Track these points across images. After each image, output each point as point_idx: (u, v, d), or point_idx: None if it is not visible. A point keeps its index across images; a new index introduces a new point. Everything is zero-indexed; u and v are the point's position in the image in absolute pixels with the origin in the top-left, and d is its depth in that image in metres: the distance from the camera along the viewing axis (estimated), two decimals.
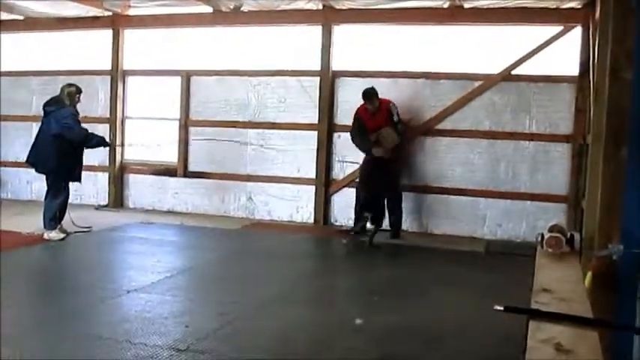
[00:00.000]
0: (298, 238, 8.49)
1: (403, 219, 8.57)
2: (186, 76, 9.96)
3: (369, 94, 8.21)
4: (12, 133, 10.91)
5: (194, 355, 4.16)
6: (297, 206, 9.41)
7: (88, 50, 10.56)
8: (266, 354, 4.22)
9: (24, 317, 4.98)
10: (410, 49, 8.85)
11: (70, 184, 7.85)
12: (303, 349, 4.39)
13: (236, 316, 5.09)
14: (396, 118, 8.26)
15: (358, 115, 8.41)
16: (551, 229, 4.73)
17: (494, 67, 8.51)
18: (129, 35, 10.33)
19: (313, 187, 9.28)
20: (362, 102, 8.33)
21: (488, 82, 8.54)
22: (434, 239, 8.42)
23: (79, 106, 7.98)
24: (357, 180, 8.75)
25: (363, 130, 8.36)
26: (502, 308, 2.98)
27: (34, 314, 5.12)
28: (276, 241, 8.22)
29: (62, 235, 7.71)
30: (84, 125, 7.99)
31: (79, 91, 7.90)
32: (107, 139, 8.25)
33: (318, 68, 9.20)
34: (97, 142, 7.94)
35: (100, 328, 4.76)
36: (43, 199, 7.96)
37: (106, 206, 10.22)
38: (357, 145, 8.47)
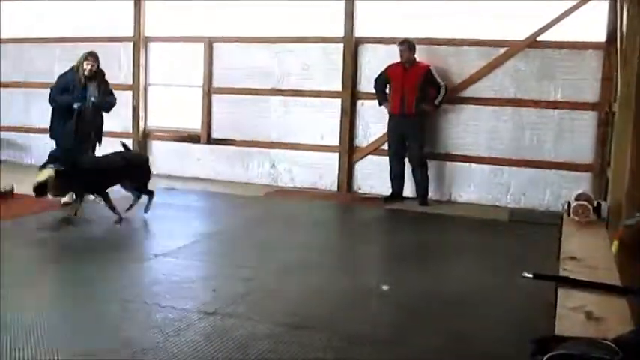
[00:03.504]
0: (322, 206, 8.54)
1: None
2: (209, 43, 9.95)
3: (407, 43, 8.28)
4: (35, 100, 10.99)
5: (222, 318, 4.23)
6: (320, 174, 9.43)
7: (110, 17, 10.57)
8: (292, 318, 4.27)
9: (53, 280, 5.09)
10: (434, 15, 8.74)
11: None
12: (329, 314, 4.44)
13: (262, 280, 5.16)
14: (440, 82, 8.31)
15: (386, 71, 8.50)
16: (577, 198, 4.74)
17: (519, 33, 8.40)
18: (150, 1, 10.31)
19: (337, 155, 9.28)
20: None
21: (514, 49, 8.44)
22: (457, 207, 8.42)
23: None
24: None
25: (383, 83, 8.55)
26: (531, 275, 3.02)
27: (63, 277, 5.21)
28: (299, 208, 8.27)
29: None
30: None
31: (84, 57, 7.89)
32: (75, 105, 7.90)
33: (342, 35, 9.15)
34: (59, 104, 7.90)
35: (129, 290, 4.85)
36: None
37: None
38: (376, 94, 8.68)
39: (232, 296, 4.69)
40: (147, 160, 8.01)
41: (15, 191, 8.11)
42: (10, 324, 3.98)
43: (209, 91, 9.97)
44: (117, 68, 10.42)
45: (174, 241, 6.23)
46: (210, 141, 10.01)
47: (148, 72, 10.45)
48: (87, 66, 7.84)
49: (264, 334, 3.98)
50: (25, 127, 11.17)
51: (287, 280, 5.24)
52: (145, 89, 10.42)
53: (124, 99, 10.30)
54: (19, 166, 10.79)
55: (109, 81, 8.18)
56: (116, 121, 10.38)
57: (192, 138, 10.11)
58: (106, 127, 9.97)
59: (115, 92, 10.24)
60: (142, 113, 10.37)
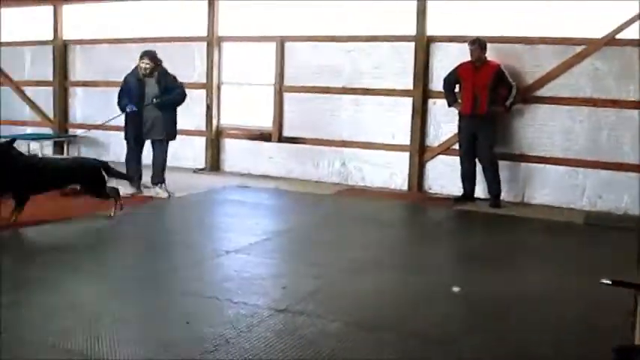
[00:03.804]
0: (392, 205, 8.51)
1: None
2: (281, 42, 10.05)
3: (478, 41, 8.18)
4: (113, 99, 11.33)
5: (293, 315, 4.28)
6: (390, 173, 9.40)
7: (184, 17, 10.82)
8: (362, 318, 4.28)
9: (128, 274, 5.24)
10: (507, 12, 8.58)
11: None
12: (399, 314, 4.42)
13: (332, 279, 5.19)
14: (511, 82, 8.18)
15: (456, 70, 8.39)
16: None
17: (597, 31, 8.14)
18: (224, 1, 10.48)
19: (407, 154, 9.23)
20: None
21: (591, 47, 8.19)
22: (530, 209, 8.24)
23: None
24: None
25: (452, 83, 8.45)
26: (609, 282, 2.92)
27: (137, 272, 5.35)
28: (369, 207, 8.27)
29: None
30: None
31: (140, 57, 8.27)
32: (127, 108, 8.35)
33: (413, 33, 9.09)
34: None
35: (201, 286, 4.96)
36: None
37: (203, 170, 10.55)
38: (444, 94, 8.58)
39: (302, 294, 4.73)
40: (99, 166, 7.29)
41: None
42: (82, 317, 4.14)
43: (280, 89, 10.08)
44: (191, 68, 10.68)
45: (245, 238, 6.32)
46: (281, 139, 10.12)
47: (221, 71, 10.64)
48: (143, 65, 8.11)
49: (335, 332, 4.00)
50: (107, 126, 11.50)
51: (357, 279, 5.24)
52: (218, 88, 10.61)
53: (197, 98, 10.60)
54: None
55: (174, 77, 8.37)
56: (190, 119, 10.65)
57: (263, 136, 10.25)
58: (180, 125, 10.26)
59: (189, 91, 10.50)
60: (215, 112, 10.58)
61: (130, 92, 8.25)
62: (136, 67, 8.24)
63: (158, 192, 8.29)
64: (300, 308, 4.41)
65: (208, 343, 3.78)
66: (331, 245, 6.33)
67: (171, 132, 8.38)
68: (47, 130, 12.26)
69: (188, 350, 3.68)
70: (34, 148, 11.82)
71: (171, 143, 9.20)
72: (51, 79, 12.21)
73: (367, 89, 9.48)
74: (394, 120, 9.33)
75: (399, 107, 9.26)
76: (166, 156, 8.43)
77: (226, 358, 3.59)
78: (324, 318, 4.24)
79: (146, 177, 8.49)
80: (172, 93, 8.20)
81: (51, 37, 12.07)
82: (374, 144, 9.47)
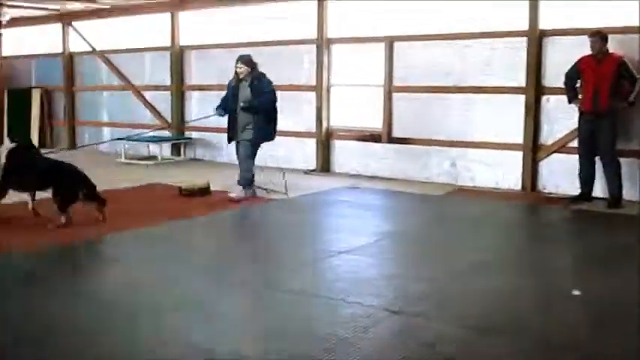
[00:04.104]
0: (504, 205, 8.32)
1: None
2: (390, 42, 10.05)
3: (599, 34, 7.87)
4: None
5: (408, 317, 4.29)
6: (502, 173, 9.19)
7: (294, 20, 11.02)
8: (478, 321, 4.23)
9: (244, 272, 5.41)
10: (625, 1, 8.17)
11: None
12: (516, 318, 4.33)
13: (445, 281, 5.15)
14: (636, 75, 7.80)
15: (577, 64, 8.08)
16: None
17: None
18: (332, 3, 10.58)
19: (520, 153, 9.00)
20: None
21: None
22: None
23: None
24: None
25: (574, 78, 8.12)
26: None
27: (250, 271, 5.51)
28: (481, 208, 8.13)
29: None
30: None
31: (235, 61, 8.48)
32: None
33: (525, 28, 8.84)
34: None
35: (315, 285, 5.06)
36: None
37: (313, 171, 10.71)
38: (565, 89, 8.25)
39: (417, 296, 4.74)
40: (74, 172, 7.07)
41: (211, 187, 8.74)
42: (202, 313, 4.32)
43: (390, 90, 10.08)
44: (301, 70, 10.88)
45: (357, 239, 6.38)
46: (391, 140, 10.11)
47: (330, 73, 10.75)
48: (237, 69, 8.35)
49: (452, 336, 3.97)
50: (217, 128, 11.90)
51: (471, 281, 5.17)
52: (328, 90, 10.73)
53: (307, 100, 10.78)
54: (214, 164, 11.60)
55: (268, 81, 8.41)
56: (300, 121, 10.86)
57: (373, 137, 10.28)
58: (290, 127, 10.49)
59: (299, 93, 10.75)
60: (324, 113, 10.70)
61: (228, 96, 8.52)
62: (235, 72, 8.48)
63: (238, 194, 8.35)
64: (415, 310, 4.42)
65: (326, 342, 3.84)
66: (443, 247, 6.28)
67: (258, 135, 8.38)
68: (165, 133, 12.83)
69: (306, 348, 3.77)
70: (154, 150, 12.43)
71: (281, 145, 9.45)
72: (168, 83, 12.77)
73: (478, 87, 9.32)
74: (505, 118, 9.12)
75: (510, 105, 9.04)
76: (251, 158, 8.44)
77: (344, 358, 3.64)
78: (439, 320, 4.23)
79: (261, 178, 8.74)
80: (261, 98, 8.26)
81: (168, 44, 12.61)
82: (484, 143, 9.29)
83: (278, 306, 4.57)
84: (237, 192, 8.36)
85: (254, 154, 8.46)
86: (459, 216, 7.79)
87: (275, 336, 3.97)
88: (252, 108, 8.25)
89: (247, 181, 8.41)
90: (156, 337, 3.99)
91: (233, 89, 8.47)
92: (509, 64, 9.06)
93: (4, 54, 15.92)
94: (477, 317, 4.31)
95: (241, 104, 8.28)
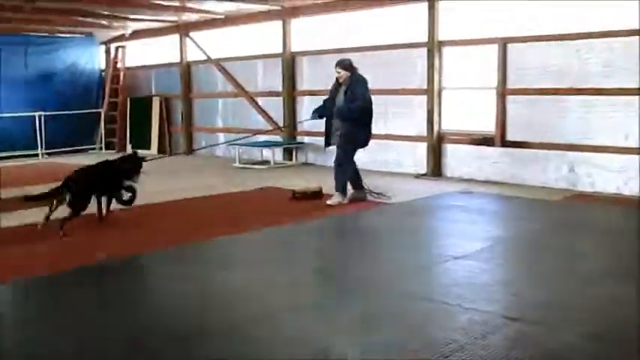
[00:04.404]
0: (627, 212, 7.92)
1: None
2: (502, 44, 9.83)
3: None
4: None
5: (528, 325, 4.17)
6: (624, 178, 8.77)
7: (404, 24, 11.00)
8: (601, 332, 4.05)
9: (355, 275, 5.44)
10: None
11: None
12: None
13: (564, 288, 4.97)
14: None
15: None
16: None
17: None
18: (443, 5, 10.47)
19: None
20: None
21: None
22: None
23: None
24: None
25: None
26: None
27: (364, 273, 5.52)
28: (601, 215, 7.81)
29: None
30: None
31: (335, 66, 8.50)
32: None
33: None
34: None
35: (430, 290, 5.02)
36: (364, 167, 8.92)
37: (424, 175, 10.63)
38: None
39: (535, 303, 4.61)
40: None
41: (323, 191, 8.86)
42: (319, 315, 4.39)
43: (503, 92, 9.86)
44: (412, 74, 10.84)
45: (471, 244, 6.28)
46: (504, 143, 9.88)
47: (442, 76, 10.64)
48: (336, 74, 8.39)
49: (574, 346, 3.84)
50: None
51: (591, 289, 4.95)
52: (439, 93, 10.63)
53: (418, 104, 10.73)
54: (325, 169, 11.72)
55: (364, 87, 8.29)
56: (411, 125, 10.83)
57: (486, 140, 10.08)
58: (401, 131, 10.51)
59: (411, 97, 10.73)
60: (436, 117, 10.60)
61: (328, 99, 8.63)
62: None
63: (333, 200, 8.36)
64: (534, 318, 4.30)
65: (443, 347, 3.81)
66: (561, 253, 6.06)
67: (346, 141, 8.33)
68: (277, 138, 13.11)
69: (423, 353, 3.75)
70: (267, 154, 12.73)
71: (392, 149, 9.43)
72: (280, 89, 13.05)
73: (597, 89, 8.94)
74: (627, 121, 8.69)
75: (632, 107, 8.62)
76: (342, 164, 8.40)
77: None
78: (560, 329, 4.10)
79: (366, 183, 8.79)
80: (351, 104, 8.19)
81: (280, 50, 12.90)
82: (605, 147, 8.89)
83: (393, 310, 4.57)
84: (333, 198, 8.38)
85: (346, 160, 8.40)
86: (578, 222, 7.51)
87: (391, 340, 3.97)
88: (342, 114, 8.27)
89: (340, 187, 8.42)
90: (276, 337, 4.09)
91: (332, 94, 8.57)
92: (630, 64, 8.64)
93: (127, 65, 16.89)
94: (598, 326, 4.14)
95: (337, 107, 8.35)
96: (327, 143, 8.73)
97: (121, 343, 4.02)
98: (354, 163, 8.54)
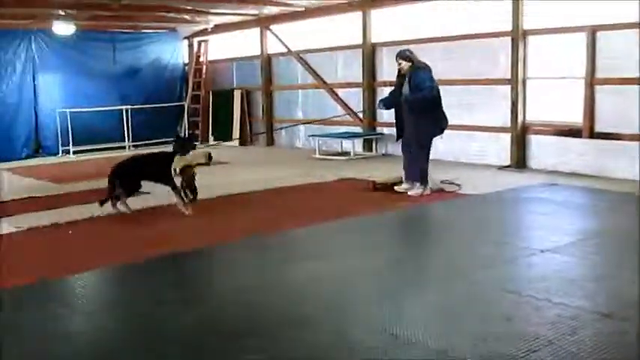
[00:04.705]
0: None
1: None
2: (592, 32, 9.46)
3: None
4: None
5: (620, 321, 4.03)
6: None
7: (487, 13, 10.76)
8: None
9: (440, 267, 5.37)
10: None
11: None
12: None
13: None
14: None
15: None
16: None
17: None
18: None
19: None
20: None
21: None
22: None
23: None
24: None
25: None
26: None
27: (449, 265, 5.47)
28: None
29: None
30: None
31: (395, 58, 8.48)
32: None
33: None
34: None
35: (517, 284, 4.91)
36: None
37: (508, 167, 10.39)
38: None
39: (629, 300, 4.41)
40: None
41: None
42: (401, 304, 4.35)
43: (592, 82, 9.49)
44: (495, 63, 10.61)
45: (558, 238, 6.09)
46: (592, 135, 9.53)
47: (527, 66, 10.35)
48: (398, 65, 8.34)
49: None
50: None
51: None
52: (524, 83, 10.34)
53: (502, 94, 10.48)
54: None
55: (427, 77, 8.22)
56: (494, 116, 10.60)
57: (572, 132, 9.75)
58: (484, 122, 10.32)
59: (493, 87, 10.51)
60: (520, 107, 10.32)
61: (393, 91, 8.60)
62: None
63: (405, 187, 8.42)
64: (626, 314, 4.13)
65: (530, 342, 3.73)
66: None
67: (420, 131, 8.29)
68: (357, 129, 13.10)
69: (510, 347, 3.67)
70: (347, 146, 12.74)
71: (475, 140, 9.24)
72: (360, 80, 13.01)
73: None
74: None
75: None
76: (416, 155, 8.39)
77: (551, 359, 3.51)
78: None
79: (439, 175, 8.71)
80: (416, 94, 8.13)
81: (360, 41, 12.85)
82: None
83: (478, 302, 4.51)
84: (413, 190, 8.35)
85: (422, 150, 8.36)
86: None
87: (477, 333, 3.91)
88: (408, 104, 8.25)
89: (417, 178, 8.38)
90: (363, 326, 4.09)
91: (396, 85, 8.52)
92: None
93: (209, 58, 17.23)
94: None
95: (403, 97, 8.31)
96: (399, 135, 8.69)
97: (201, 328, 4.12)
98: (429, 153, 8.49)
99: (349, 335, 3.96)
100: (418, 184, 8.36)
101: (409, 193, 8.32)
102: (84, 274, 5.41)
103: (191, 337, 3.97)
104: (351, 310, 4.37)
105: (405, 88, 8.30)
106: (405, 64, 8.27)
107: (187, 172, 7.68)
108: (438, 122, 8.35)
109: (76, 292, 5.18)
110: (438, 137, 8.49)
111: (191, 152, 7.86)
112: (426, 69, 8.26)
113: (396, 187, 8.50)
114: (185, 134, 7.90)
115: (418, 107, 8.19)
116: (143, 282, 5.26)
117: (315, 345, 3.84)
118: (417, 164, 8.36)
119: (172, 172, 7.53)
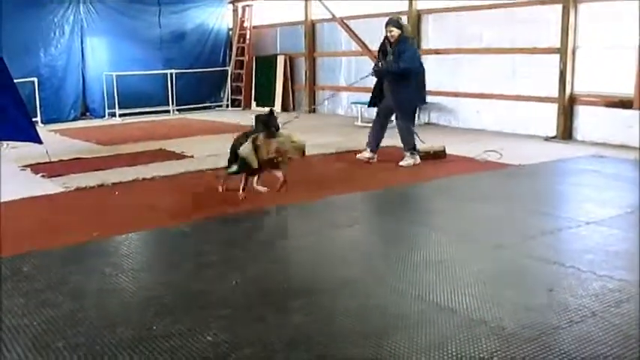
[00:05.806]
0: None
1: None
2: None
3: None
4: (463, 65, 11.62)
5: None
6: None
7: None
8: None
9: (484, 235, 5.34)
10: None
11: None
12: None
13: None
14: None
15: None
16: None
17: None
18: None
19: None
20: None
21: None
22: None
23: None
24: None
25: None
26: None
27: (491, 234, 5.41)
28: None
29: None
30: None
31: (385, 25, 8.38)
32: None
33: None
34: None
35: (561, 255, 4.84)
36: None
37: (554, 138, 10.21)
38: None
39: None
40: None
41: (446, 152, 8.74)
42: (445, 273, 4.35)
43: None
44: (545, 32, 10.37)
45: (605, 210, 5.99)
46: None
47: (577, 34, 10.10)
48: (387, 33, 8.25)
49: None
50: (453, 92, 11.85)
51: None
52: (573, 52, 10.11)
53: (550, 63, 10.25)
54: (448, 129, 11.58)
55: (411, 47, 8.27)
56: (540, 85, 10.39)
57: (623, 103, 9.51)
58: (530, 92, 10.13)
59: (541, 56, 10.28)
60: (568, 77, 10.10)
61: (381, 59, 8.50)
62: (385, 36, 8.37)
63: (406, 160, 8.37)
64: None
65: (572, 313, 3.70)
66: None
67: (401, 100, 8.27)
68: None
69: (552, 318, 3.64)
70: None
71: (520, 109, 9.07)
72: None
73: None
74: None
75: None
76: (405, 124, 8.38)
77: (594, 331, 3.48)
78: None
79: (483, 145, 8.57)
80: (399, 63, 8.05)
81: (406, 8, 12.66)
82: None
83: (522, 273, 4.48)
84: (406, 160, 8.39)
85: (407, 119, 8.38)
86: None
87: (519, 303, 3.87)
88: (388, 73, 8.20)
89: (410, 147, 8.39)
90: (406, 293, 4.11)
91: (384, 53, 8.43)
92: None
93: (253, 24, 17.20)
94: None
95: (376, 66, 8.36)
96: (374, 103, 8.70)
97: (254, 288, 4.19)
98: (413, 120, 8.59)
99: (390, 301, 3.97)
100: (409, 154, 8.38)
101: (400, 164, 8.35)
102: (130, 235, 5.52)
103: (239, 297, 4.04)
104: (394, 276, 4.39)
105: (391, 57, 8.25)
106: (396, 32, 8.22)
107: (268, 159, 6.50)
108: (419, 91, 8.39)
109: (123, 252, 5.29)
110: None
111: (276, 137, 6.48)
112: (414, 40, 8.38)
113: (400, 163, 8.40)
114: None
115: (396, 76, 8.17)
116: (192, 242, 5.34)
117: (358, 311, 3.85)
118: (405, 133, 8.37)
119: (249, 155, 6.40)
